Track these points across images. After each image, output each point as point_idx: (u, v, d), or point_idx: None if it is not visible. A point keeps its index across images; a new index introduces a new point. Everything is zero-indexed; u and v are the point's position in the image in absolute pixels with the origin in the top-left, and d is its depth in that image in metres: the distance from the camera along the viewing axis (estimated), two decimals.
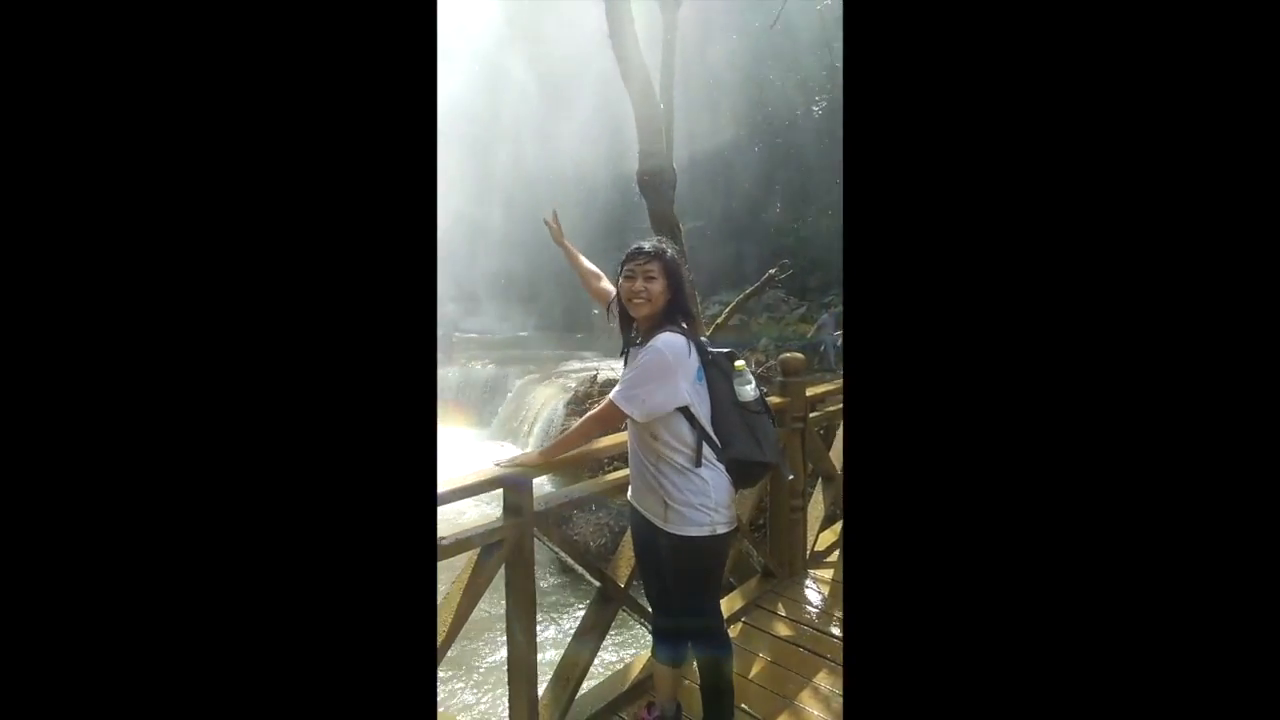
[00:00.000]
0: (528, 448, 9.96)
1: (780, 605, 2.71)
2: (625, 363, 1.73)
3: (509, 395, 11.18)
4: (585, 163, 14.47)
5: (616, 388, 1.64)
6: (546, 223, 2.07)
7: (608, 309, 1.89)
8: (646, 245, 1.72)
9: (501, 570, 1.76)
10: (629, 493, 1.79)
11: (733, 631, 2.51)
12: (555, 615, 5.17)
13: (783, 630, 2.54)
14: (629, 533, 1.89)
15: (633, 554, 1.90)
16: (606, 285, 1.97)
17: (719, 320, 6.92)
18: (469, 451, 10.16)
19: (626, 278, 1.68)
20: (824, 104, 13.47)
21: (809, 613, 2.66)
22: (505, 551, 1.75)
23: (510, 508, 1.79)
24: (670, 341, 1.62)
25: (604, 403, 1.64)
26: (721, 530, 1.65)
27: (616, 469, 2.11)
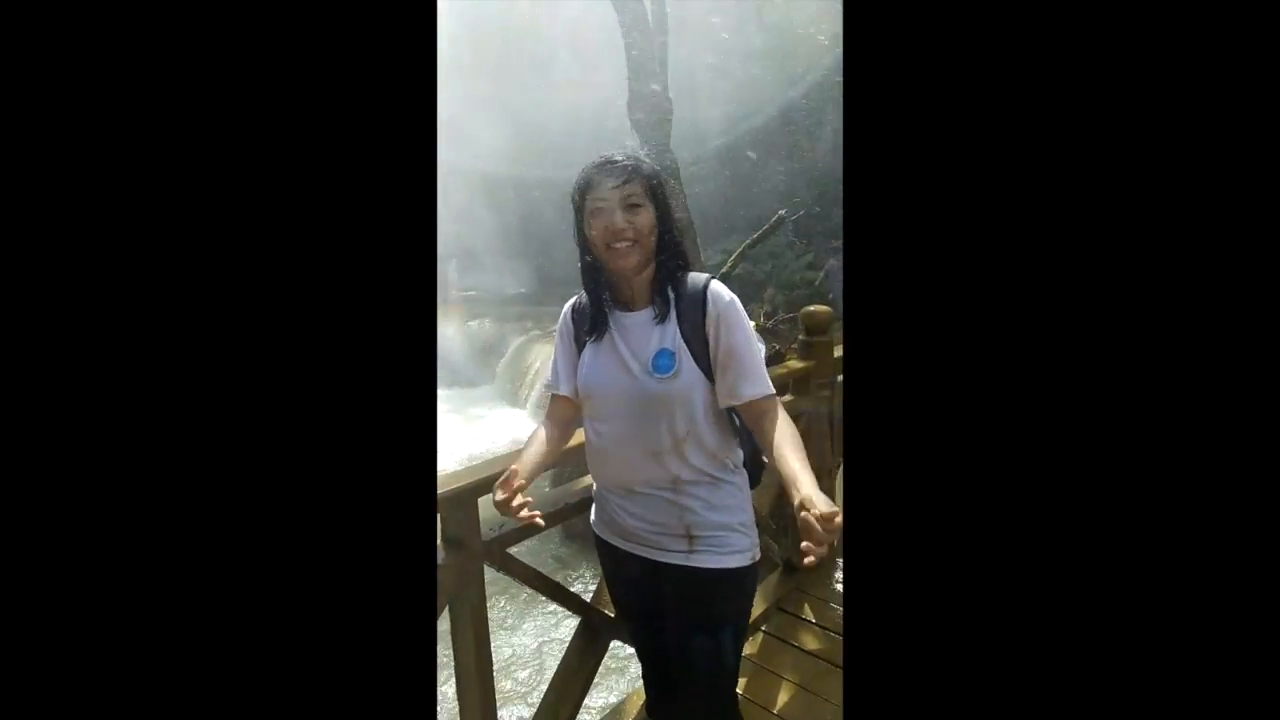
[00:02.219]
0: (525, 408, 9.61)
1: (807, 607, 2.30)
2: (601, 340, 1.22)
3: (504, 356, 10.76)
4: (581, 105, 13.56)
5: (748, 376, 1.13)
6: (500, 496, 1.07)
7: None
8: (618, 157, 1.18)
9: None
10: (598, 518, 1.33)
11: (750, 646, 2.10)
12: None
13: (811, 642, 2.13)
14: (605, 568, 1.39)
15: (613, 592, 1.40)
16: (556, 433, 1.28)
17: (724, 270, 6.34)
18: (464, 415, 9.82)
19: (596, 214, 1.15)
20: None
21: (842, 617, 2.24)
22: (444, 598, 1.31)
23: (450, 539, 1.34)
24: (724, 290, 1.18)
25: (769, 402, 1.13)
26: (757, 553, 1.23)
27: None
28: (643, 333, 1.18)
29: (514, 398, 10.03)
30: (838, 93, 10.99)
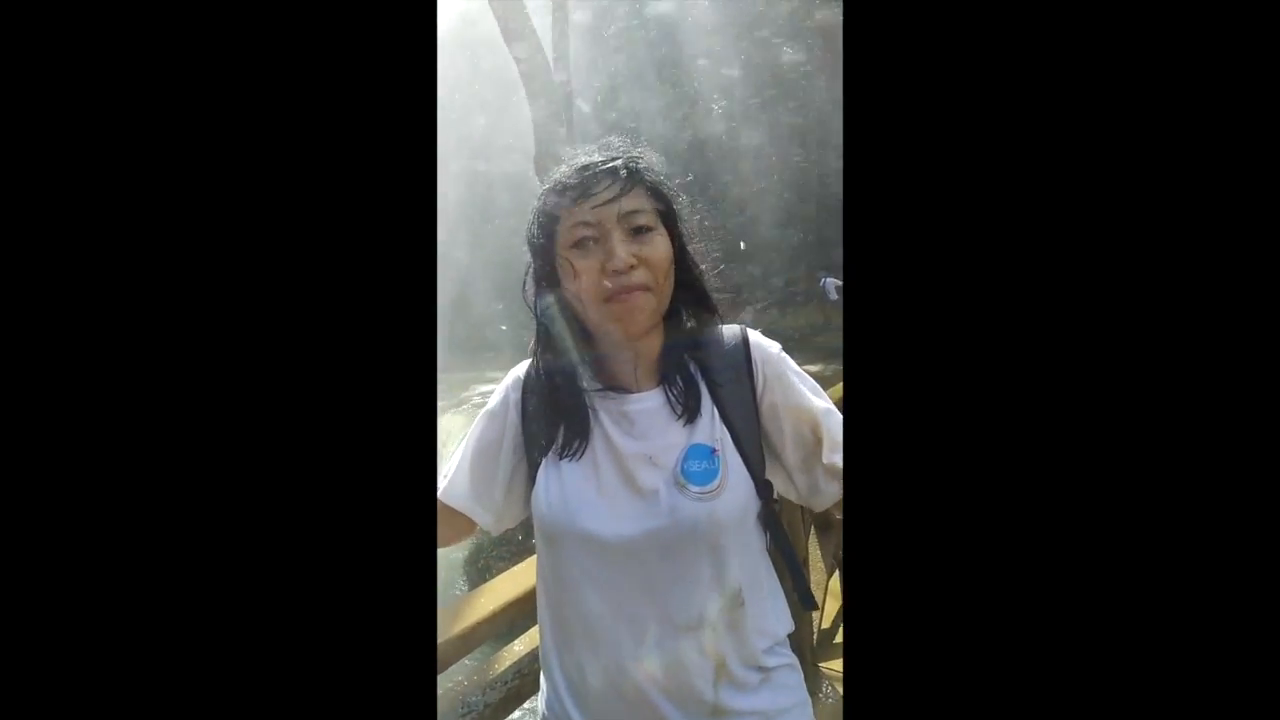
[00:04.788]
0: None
1: None
2: (584, 452, 0.78)
3: None
4: (478, 151, 13.22)
5: (830, 458, 0.76)
6: None
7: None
8: (609, 159, 0.77)
9: None
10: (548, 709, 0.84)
11: None
12: None
13: None
14: None
15: None
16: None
17: None
18: None
19: (581, 247, 0.74)
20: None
21: None
22: None
23: None
24: (768, 341, 0.82)
25: (831, 489, 0.76)
26: None
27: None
28: (657, 424, 0.77)
29: None
30: (745, 128, 11.23)
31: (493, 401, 0.86)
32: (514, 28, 4.50)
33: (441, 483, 0.86)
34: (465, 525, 0.86)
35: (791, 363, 0.81)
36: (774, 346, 0.82)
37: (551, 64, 4.87)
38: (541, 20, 4.92)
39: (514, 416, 0.83)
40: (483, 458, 0.84)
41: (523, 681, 1.11)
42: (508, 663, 1.18)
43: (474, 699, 1.10)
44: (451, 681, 1.12)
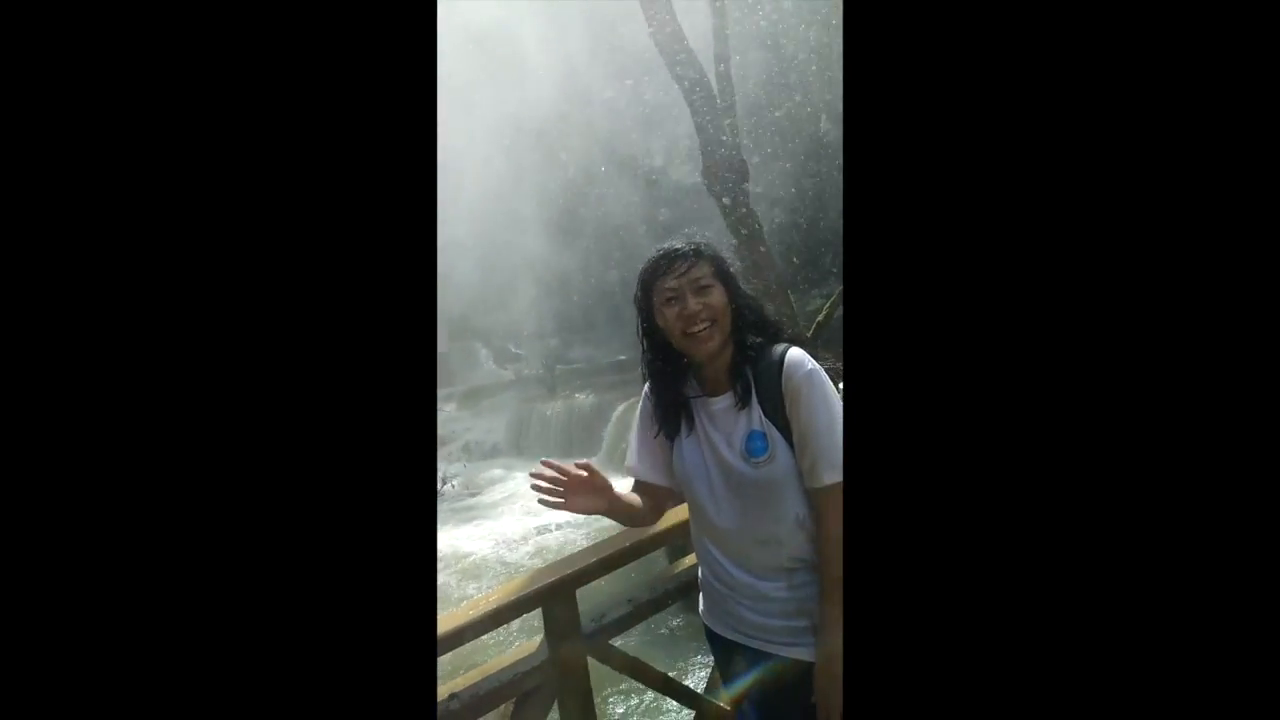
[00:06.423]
0: (626, 469, 9.54)
1: None
2: (692, 431, 1.21)
3: (609, 424, 10.93)
4: (641, 161, 13.56)
5: (826, 457, 1.08)
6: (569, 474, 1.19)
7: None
8: (679, 244, 1.18)
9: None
10: (706, 607, 1.29)
11: None
12: None
13: None
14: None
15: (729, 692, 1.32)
16: (638, 499, 1.30)
17: (820, 318, 6.15)
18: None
19: (667, 303, 1.15)
20: None
21: None
22: (549, 695, 1.31)
23: (555, 630, 1.35)
24: (804, 357, 1.15)
25: (828, 492, 1.08)
26: None
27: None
28: (730, 417, 1.17)
29: (621, 465, 10.06)
30: None
31: (643, 405, 1.31)
32: (668, 39, 4.74)
33: (630, 470, 1.32)
34: (654, 490, 1.30)
35: (818, 378, 1.12)
36: (806, 365, 1.14)
37: (713, 64, 5.07)
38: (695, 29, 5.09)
39: (655, 411, 1.27)
40: (647, 444, 1.29)
41: None
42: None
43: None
44: (659, 567, 1.62)
